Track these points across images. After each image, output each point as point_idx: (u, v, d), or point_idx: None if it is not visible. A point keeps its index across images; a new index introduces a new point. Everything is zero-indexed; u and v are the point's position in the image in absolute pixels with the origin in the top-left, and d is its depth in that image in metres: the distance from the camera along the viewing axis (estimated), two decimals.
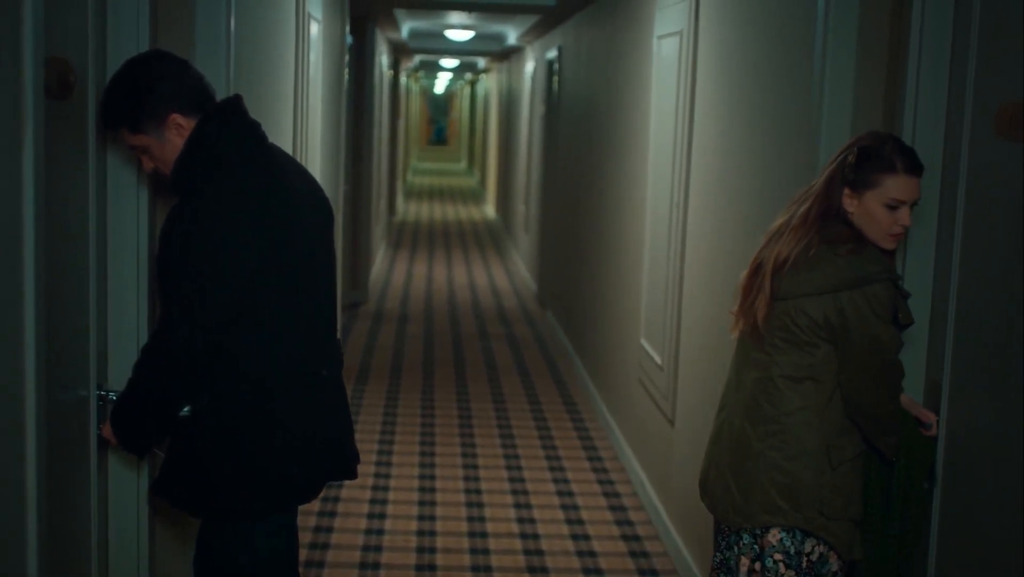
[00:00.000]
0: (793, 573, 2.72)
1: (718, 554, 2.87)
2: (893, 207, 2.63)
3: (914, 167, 2.62)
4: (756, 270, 2.79)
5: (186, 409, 2.63)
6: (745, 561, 2.77)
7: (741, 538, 2.78)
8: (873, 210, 2.64)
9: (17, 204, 2.02)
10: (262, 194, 2.61)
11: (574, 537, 4.94)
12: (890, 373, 2.68)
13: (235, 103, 2.68)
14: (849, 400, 2.68)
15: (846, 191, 2.67)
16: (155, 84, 2.59)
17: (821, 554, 2.73)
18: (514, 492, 5.50)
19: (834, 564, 2.75)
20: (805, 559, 2.72)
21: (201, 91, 2.65)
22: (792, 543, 2.71)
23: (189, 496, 2.69)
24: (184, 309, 2.55)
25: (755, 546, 2.76)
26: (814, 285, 2.65)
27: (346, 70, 7.27)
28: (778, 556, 2.72)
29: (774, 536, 2.72)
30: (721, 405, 2.91)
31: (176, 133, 2.60)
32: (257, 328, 2.60)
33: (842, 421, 2.70)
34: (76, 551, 2.59)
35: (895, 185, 2.61)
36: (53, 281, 2.25)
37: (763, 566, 2.73)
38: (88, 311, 2.60)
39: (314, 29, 5.33)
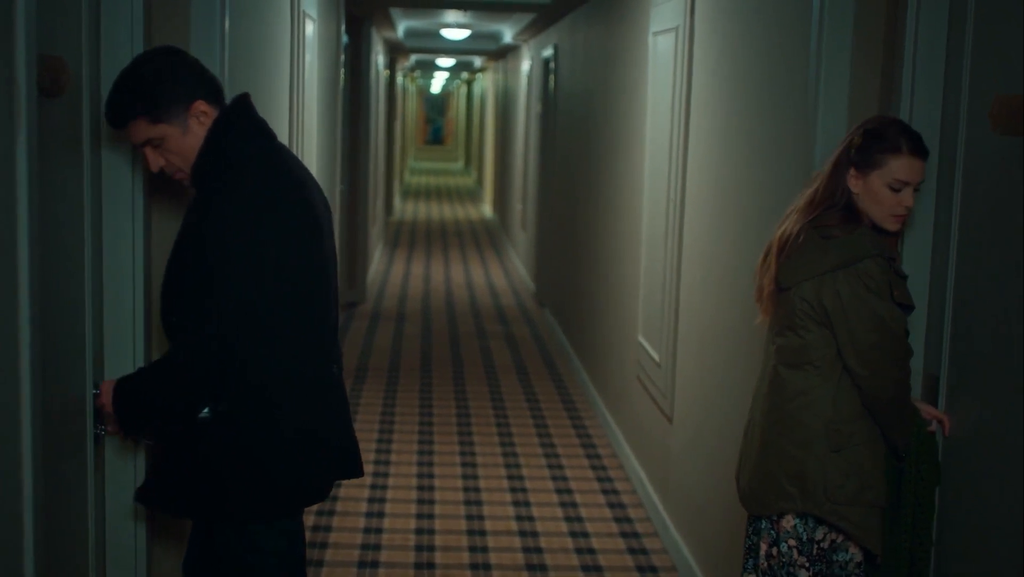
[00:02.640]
0: (805, 560, 2.74)
1: (748, 540, 2.93)
2: (896, 189, 2.67)
3: (918, 149, 2.67)
4: (767, 253, 2.85)
5: (205, 411, 2.57)
6: (763, 545, 2.82)
7: (760, 523, 2.83)
8: (877, 191, 2.68)
9: (11, 204, 2.02)
10: (292, 196, 2.59)
11: (573, 535, 4.93)
12: (894, 350, 2.66)
13: (248, 101, 2.68)
14: (860, 385, 2.69)
15: (852, 172, 2.71)
16: (179, 70, 2.56)
17: (834, 541, 2.74)
18: (513, 490, 5.50)
19: (855, 553, 2.74)
20: (816, 546, 2.74)
21: (218, 84, 2.64)
22: (804, 529, 2.74)
23: (195, 502, 2.64)
24: (225, 314, 2.49)
25: (772, 531, 2.80)
26: (807, 270, 2.70)
27: (342, 70, 7.26)
28: (792, 542, 2.76)
29: (788, 522, 2.76)
30: (753, 398, 2.96)
31: (199, 123, 2.55)
32: (281, 331, 2.57)
33: (854, 408, 2.70)
34: (73, 551, 2.58)
35: (899, 165, 2.66)
36: (48, 281, 2.24)
37: (779, 551, 2.77)
38: (83, 311, 2.59)
39: (309, 28, 5.32)
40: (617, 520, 5.13)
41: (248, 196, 2.53)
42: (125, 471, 2.90)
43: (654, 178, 5.25)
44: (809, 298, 2.70)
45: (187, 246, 2.55)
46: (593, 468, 5.89)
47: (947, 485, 2.68)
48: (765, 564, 2.81)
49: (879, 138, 2.68)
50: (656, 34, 5.25)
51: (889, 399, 2.67)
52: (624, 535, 4.96)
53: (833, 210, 2.72)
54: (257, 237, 2.50)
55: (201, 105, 2.55)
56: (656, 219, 5.17)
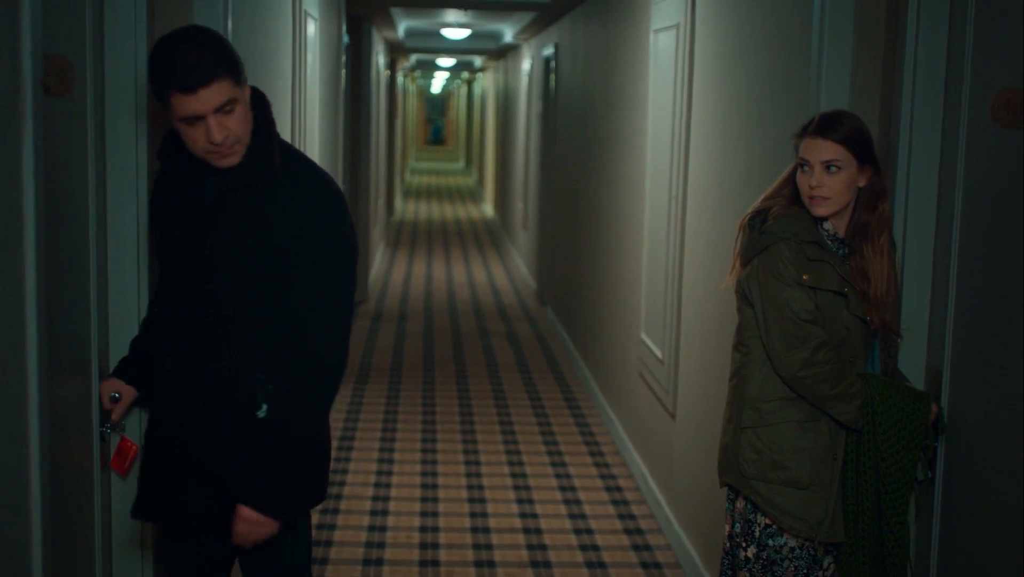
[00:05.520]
0: (743, 540, 2.85)
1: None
2: (803, 168, 2.77)
3: (821, 129, 2.75)
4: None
5: (263, 409, 2.53)
6: (727, 526, 2.93)
7: (728, 505, 2.94)
8: (796, 172, 2.80)
9: (17, 202, 2.03)
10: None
11: (577, 531, 4.94)
12: (795, 333, 2.72)
13: None
14: (771, 364, 2.78)
15: None
16: None
17: (768, 526, 2.81)
18: (516, 488, 5.51)
19: (788, 539, 2.81)
20: (758, 528, 2.83)
21: None
22: (746, 511, 2.85)
23: (274, 502, 2.56)
24: (343, 305, 2.58)
25: (731, 513, 2.91)
26: (745, 256, 2.85)
27: (343, 70, 7.27)
28: (741, 523, 2.87)
29: (740, 503, 2.87)
30: None
31: (248, 92, 2.57)
32: None
33: (779, 389, 2.79)
34: (80, 547, 2.60)
35: (803, 145, 2.78)
36: (54, 277, 2.26)
37: (733, 531, 2.89)
38: (89, 308, 2.60)
39: (311, 28, 5.34)
40: (621, 516, 5.14)
41: (333, 191, 2.61)
42: (132, 470, 2.91)
43: (656, 175, 5.26)
44: (742, 281, 2.84)
45: (303, 239, 2.52)
46: (596, 465, 5.90)
47: (949, 478, 2.69)
48: (728, 544, 2.91)
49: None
50: (657, 32, 5.26)
51: (798, 380, 2.73)
52: (628, 531, 4.97)
53: (786, 191, 2.83)
54: (345, 233, 2.59)
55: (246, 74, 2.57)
56: (658, 216, 5.18)
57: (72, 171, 2.48)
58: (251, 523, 2.53)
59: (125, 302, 2.84)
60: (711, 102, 4.32)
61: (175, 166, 2.59)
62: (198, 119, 2.42)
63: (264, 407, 2.53)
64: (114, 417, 2.73)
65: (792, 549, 2.80)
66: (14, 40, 2.00)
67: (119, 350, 2.83)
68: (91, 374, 2.62)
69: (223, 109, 2.43)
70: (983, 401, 2.55)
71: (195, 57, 2.40)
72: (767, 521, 2.81)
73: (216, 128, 2.43)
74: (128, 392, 2.74)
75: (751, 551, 2.83)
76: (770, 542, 2.81)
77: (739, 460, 2.83)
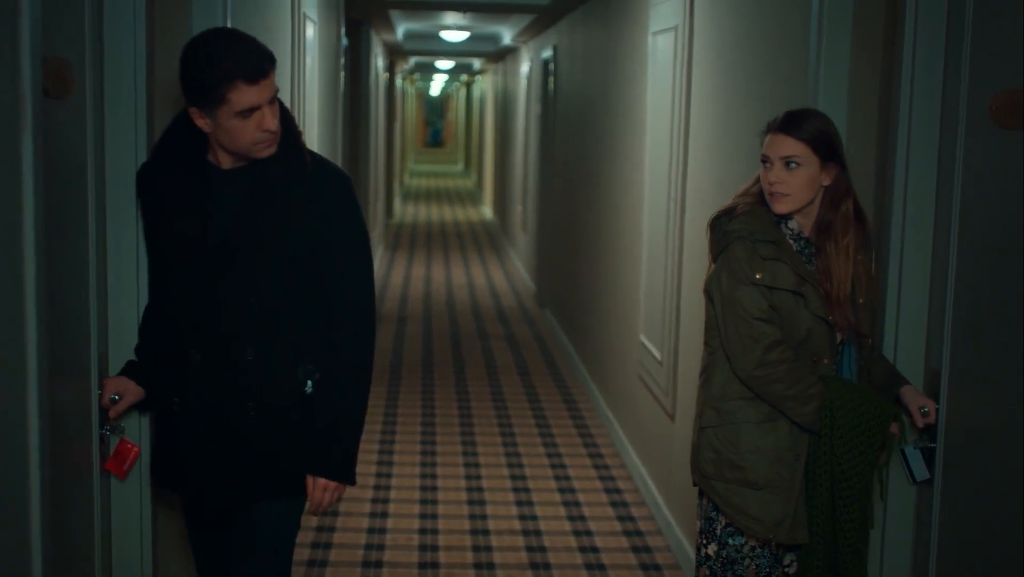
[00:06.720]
0: (705, 538, 2.89)
1: None
2: (765, 164, 2.78)
3: (783, 126, 2.76)
4: None
5: (309, 384, 2.71)
6: (698, 522, 2.95)
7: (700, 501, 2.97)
8: (760, 170, 2.81)
9: (17, 204, 2.03)
10: None
11: (576, 533, 4.94)
12: (747, 332, 2.72)
13: None
14: (729, 364, 2.78)
15: None
16: None
17: (727, 525, 2.83)
18: (516, 489, 5.51)
19: (748, 538, 2.82)
20: (719, 526, 2.85)
21: None
22: (707, 508, 2.88)
23: (343, 470, 2.77)
24: (371, 288, 2.77)
25: (699, 509, 2.93)
26: (712, 254, 2.85)
27: (342, 73, 7.27)
28: (705, 519, 2.90)
29: (705, 500, 2.89)
30: None
31: None
32: None
33: (740, 389, 2.79)
34: (80, 547, 2.60)
35: (766, 141, 2.79)
36: (54, 280, 2.26)
37: (700, 528, 2.92)
38: (89, 311, 2.61)
39: (310, 31, 5.34)
40: (620, 518, 5.15)
41: (347, 177, 2.78)
42: (132, 472, 2.91)
43: (655, 177, 5.27)
44: (706, 280, 2.86)
45: (338, 227, 2.69)
46: (596, 467, 5.91)
47: (947, 482, 2.69)
48: (699, 539, 2.93)
49: None
50: (655, 34, 5.26)
51: (753, 379, 2.74)
52: (627, 533, 4.97)
53: (754, 189, 2.85)
54: (361, 217, 2.79)
55: None
56: (657, 218, 5.19)
57: (72, 174, 2.48)
58: (328, 490, 2.76)
59: (125, 304, 2.84)
60: (709, 104, 4.33)
61: (176, 167, 2.65)
62: (253, 110, 2.54)
63: (309, 383, 2.70)
64: (110, 415, 2.74)
65: (752, 548, 2.82)
66: (13, 43, 2.01)
67: (119, 352, 2.83)
68: (90, 376, 2.63)
69: (272, 100, 2.59)
70: (982, 402, 2.55)
71: (253, 50, 2.55)
72: (725, 519, 2.82)
73: (270, 116, 2.57)
74: (133, 392, 2.76)
75: (712, 548, 2.85)
76: (730, 541, 2.83)
77: (699, 459, 2.85)
